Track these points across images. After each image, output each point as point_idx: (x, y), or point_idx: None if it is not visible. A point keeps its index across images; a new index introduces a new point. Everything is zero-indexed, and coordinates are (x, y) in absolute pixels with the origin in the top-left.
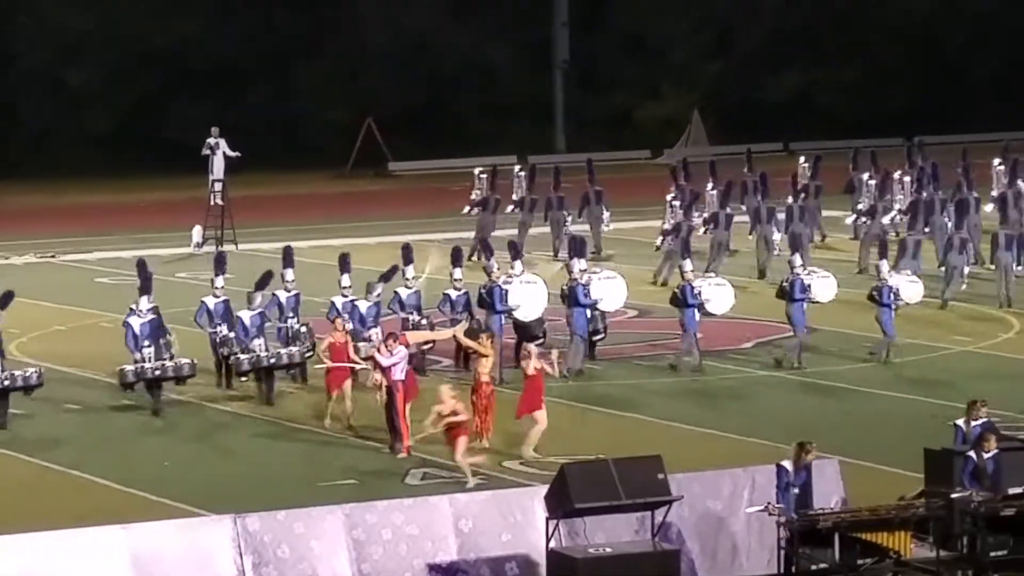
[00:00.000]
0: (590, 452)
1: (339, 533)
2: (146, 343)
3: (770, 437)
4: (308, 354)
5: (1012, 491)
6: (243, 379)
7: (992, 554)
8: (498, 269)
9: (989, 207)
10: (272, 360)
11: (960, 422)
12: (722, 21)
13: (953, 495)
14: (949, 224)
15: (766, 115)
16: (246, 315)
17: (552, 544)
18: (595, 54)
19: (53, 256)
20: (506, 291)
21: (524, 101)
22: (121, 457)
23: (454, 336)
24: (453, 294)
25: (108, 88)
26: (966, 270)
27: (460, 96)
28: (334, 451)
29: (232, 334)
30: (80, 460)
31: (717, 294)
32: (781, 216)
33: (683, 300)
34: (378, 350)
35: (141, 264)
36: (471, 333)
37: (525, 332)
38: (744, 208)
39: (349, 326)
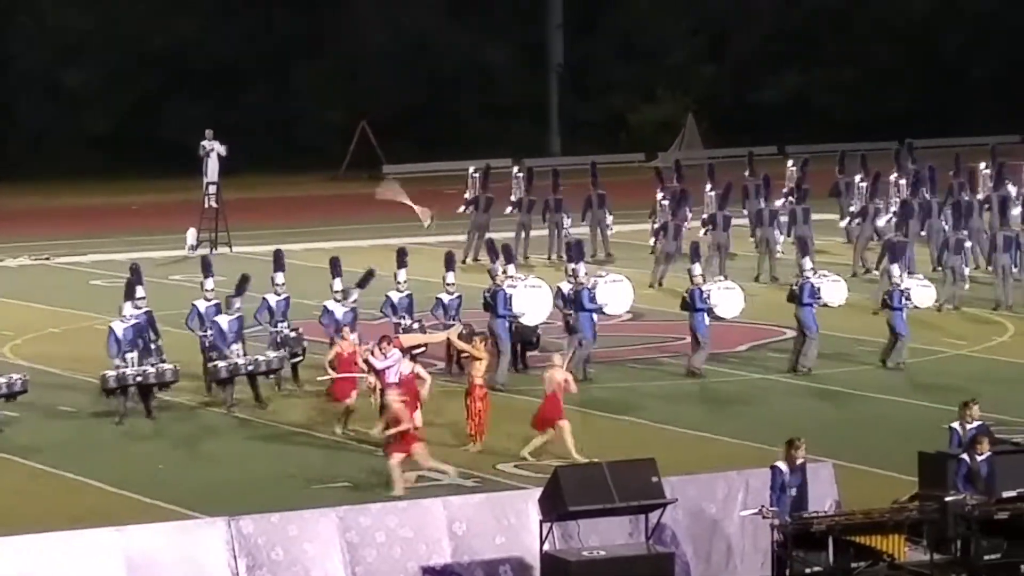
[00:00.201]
0: (584, 455)
1: (333, 536)
2: (128, 349)
3: (764, 440)
4: (297, 359)
5: (1006, 494)
6: (218, 386)
7: (986, 557)
8: (503, 272)
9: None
10: (250, 367)
11: (955, 425)
12: (717, 24)
13: (947, 498)
14: (946, 227)
15: (761, 118)
16: (224, 320)
17: (546, 547)
18: (590, 57)
19: (47, 258)
20: (510, 295)
21: (520, 103)
22: (115, 459)
23: (447, 339)
24: (446, 298)
25: (106, 89)
26: (967, 271)
27: (457, 98)
28: (328, 454)
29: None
30: (74, 462)
31: (727, 298)
32: (783, 219)
33: (692, 304)
34: (372, 353)
35: (132, 269)
36: (464, 337)
37: (519, 336)
38: (745, 212)
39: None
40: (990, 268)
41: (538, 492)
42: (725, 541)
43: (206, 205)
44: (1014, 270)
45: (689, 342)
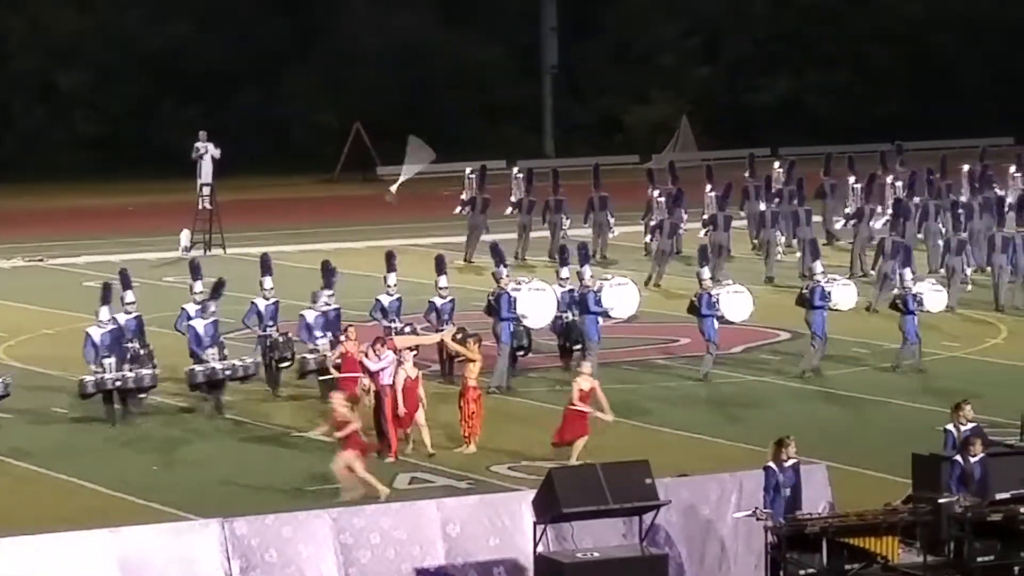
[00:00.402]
0: (580, 456)
1: (327, 537)
2: (106, 354)
3: (759, 442)
4: (286, 363)
5: (999, 496)
6: (194, 390)
7: (979, 559)
8: (507, 275)
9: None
10: (227, 372)
11: (949, 426)
12: (710, 26)
13: (940, 500)
14: (943, 229)
15: (754, 119)
16: (200, 324)
17: (540, 549)
18: (584, 59)
19: (41, 260)
20: (514, 298)
21: (514, 105)
22: (109, 461)
23: (441, 340)
24: (438, 302)
25: (99, 91)
26: (968, 271)
27: (450, 100)
28: (322, 455)
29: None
30: (67, 464)
31: (736, 302)
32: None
33: (700, 309)
34: (366, 355)
35: (121, 273)
36: (458, 340)
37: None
38: (743, 214)
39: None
40: (987, 269)
41: (532, 494)
42: (719, 543)
43: (200, 207)
44: (1009, 271)
45: (684, 344)
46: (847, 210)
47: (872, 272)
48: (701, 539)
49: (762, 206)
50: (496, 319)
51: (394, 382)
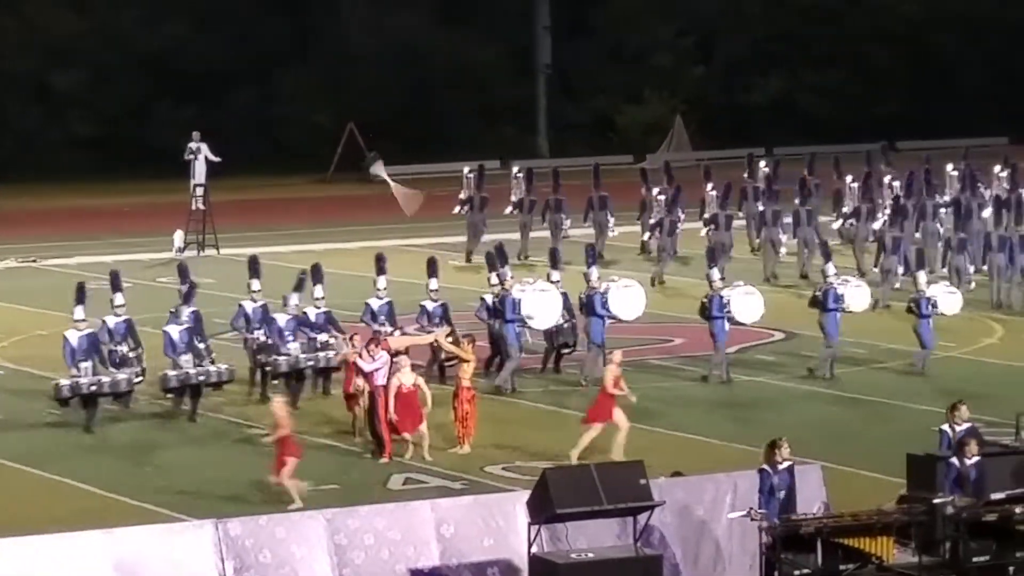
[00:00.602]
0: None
1: (321, 538)
2: (83, 358)
3: (753, 442)
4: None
5: (995, 496)
6: (169, 394)
7: (974, 560)
8: (512, 277)
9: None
10: (201, 377)
11: (945, 427)
12: (704, 25)
13: (935, 500)
14: (941, 230)
15: (749, 119)
16: (174, 330)
17: (534, 549)
18: (577, 59)
19: (34, 260)
20: (519, 300)
21: (507, 105)
22: (102, 462)
23: (436, 341)
24: (430, 305)
25: (95, 92)
26: (971, 269)
27: (444, 100)
28: (316, 456)
29: (202, 344)
30: (61, 465)
31: (747, 303)
32: (787, 220)
33: (711, 311)
34: (360, 355)
35: (111, 275)
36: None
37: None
38: (741, 214)
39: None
40: (984, 267)
41: (526, 494)
42: (713, 543)
43: (193, 207)
44: (1008, 271)
45: (678, 344)
46: (844, 209)
47: (875, 270)
48: (696, 539)
49: (761, 207)
50: (501, 321)
51: (387, 384)
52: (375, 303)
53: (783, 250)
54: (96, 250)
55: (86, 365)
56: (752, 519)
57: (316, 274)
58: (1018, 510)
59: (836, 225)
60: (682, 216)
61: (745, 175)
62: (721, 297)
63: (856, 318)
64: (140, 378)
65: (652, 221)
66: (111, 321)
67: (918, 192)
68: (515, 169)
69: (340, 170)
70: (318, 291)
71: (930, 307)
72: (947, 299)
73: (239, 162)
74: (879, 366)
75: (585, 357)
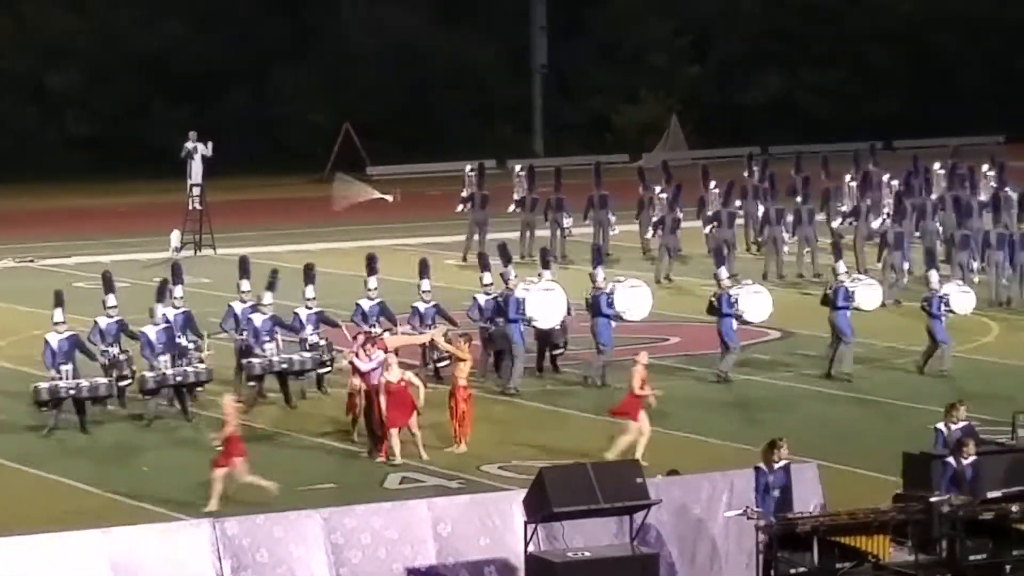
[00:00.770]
0: (571, 456)
1: (318, 537)
2: (63, 361)
3: (750, 441)
4: None
5: (991, 494)
6: (145, 396)
7: (971, 558)
8: (515, 276)
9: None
10: (178, 378)
11: (941, 425)
12: (700, 25)
13: (932, 499)
14: (939, 228)
15: (745, 119)
16: (151, 330)
17: (531, 548)
18: (573, 58)
19: (31, 260)
20: (523, 300)
21: (503, 105)
22: (100, 461)
23: (432, 340)
24: (421, 307)
25: (91, 91)
26: (975, 265)
27: (440, 100)
28: (313, 455)
29: (191, 344)
30: (57, 464)
31: (755, 302)
32: (789, 219)
33: (719, 309)
34: (356, 355)
35: (104, 276)
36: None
37: (498, 343)
38: (742, 213)
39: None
40: (984, 265)
41: (523, 493)
42: (710, 542)
43: (190, 207)
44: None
45: (674, 343)
46: (843, 208)
47: (878, 265)
48: (692, 538)
49: (761, 207)
50: (505, 321)
51: (377, 384)
52: (366, 304)
53: (785, 248)
54: (93, 250)
55: (66, 368)
56: (748, 518)
57: (308, 274)
58: (1014, 508)
59: (836, 224)
60: (680, 215)
61: (745, 174)
62: (729, 295)
63: (861, 316)
64: (129, 381)
65: (654, 219)
66: (103, 322)
67: (917, 191)
68: (517, 168)
69: (336, 169)
70: (309, 291)
71: (941, 306)
72: (960, 298)
73: (238, 162)
74: (879, 365)
75: (590, 357)
